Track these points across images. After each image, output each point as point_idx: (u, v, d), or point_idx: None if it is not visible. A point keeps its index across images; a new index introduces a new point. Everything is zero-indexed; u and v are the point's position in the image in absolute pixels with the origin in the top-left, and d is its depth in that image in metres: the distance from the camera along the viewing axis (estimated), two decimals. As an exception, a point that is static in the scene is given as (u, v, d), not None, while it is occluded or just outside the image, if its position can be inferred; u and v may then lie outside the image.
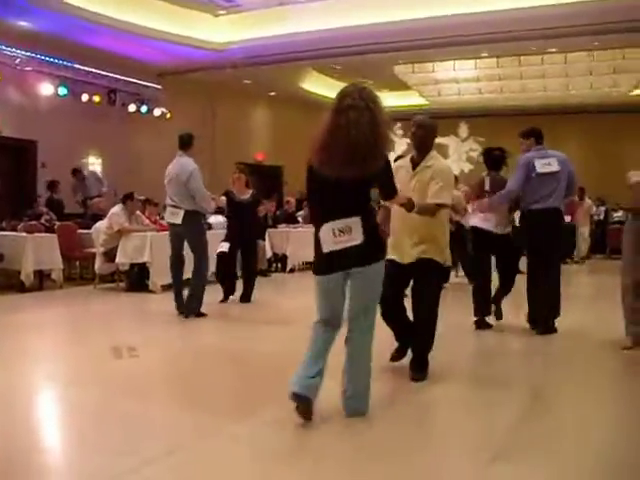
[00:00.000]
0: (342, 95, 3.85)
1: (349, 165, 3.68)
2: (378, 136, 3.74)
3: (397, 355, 5.24)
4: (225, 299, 8.71)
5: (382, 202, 5.33)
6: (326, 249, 3.84)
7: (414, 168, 4.92)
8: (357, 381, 4.01)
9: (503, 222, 6.92)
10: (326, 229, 3.82)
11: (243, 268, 9.05)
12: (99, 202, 12.73)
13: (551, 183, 6.68)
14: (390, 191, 4.14)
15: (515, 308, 7.44)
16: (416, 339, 5.04)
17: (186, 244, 7.71)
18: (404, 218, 4.84)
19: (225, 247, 8.61)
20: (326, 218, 3.83)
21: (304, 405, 3.84)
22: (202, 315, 7.61)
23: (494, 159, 7.04)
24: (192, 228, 7.52)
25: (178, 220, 7.45)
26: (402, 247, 4.95)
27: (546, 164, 6.72)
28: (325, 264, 3.91)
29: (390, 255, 5.03)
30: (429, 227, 4.87)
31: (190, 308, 7.59)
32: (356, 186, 3.80)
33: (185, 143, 7.61)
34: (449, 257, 5.09)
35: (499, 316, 7.19)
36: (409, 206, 4.41)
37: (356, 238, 3.78)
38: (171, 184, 7.50)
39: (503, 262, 7.14)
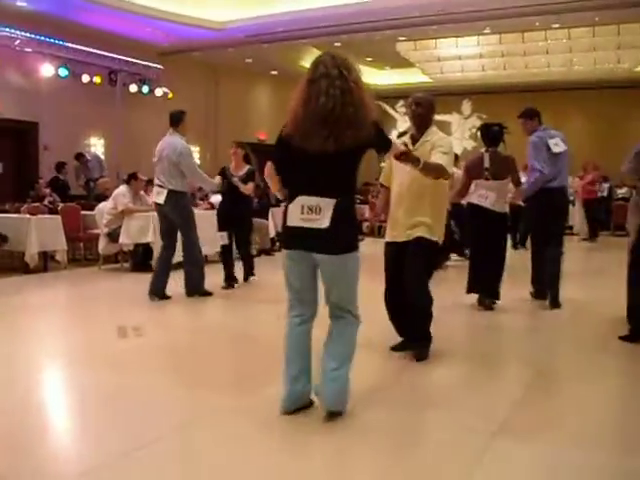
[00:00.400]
0: (315, 64, 3.59)
1: (324, 138, 3.41)
2: (353, 105, 3.44)
3: (399, 347, 5.15)
4: (228, 286, 8.33)
5: (381, 181, 5.33)
6: (289, 223, 3.58)
7: (414, 144, 4.90)
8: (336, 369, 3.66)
9: (500, 201, 6.84)
10: (296, 202, 3.55)
11: (238, 247, 8.63)
12: (105, 182, 12.69)
13: (561, 162, 6.86)
14: (385, 144, 3.65)
15: (515, 286, 7.45)
16: (411, 316, 5.00)
17: None
18: (401, 197, 4.86)
19: (225, 239, 8.33)
20: (300, 192, 3.55)
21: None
22: (207, 294, 7.57)
23: (493, 135, 6.85)
24: (176, 208, 7.28)
25: (161, 199, 7.26)
26: (398, 226, 4.93)
27: (555, 144, 6.81)
28: (288, 239, 3.67)
29: (388, 237, 5.04)
30: (425, 204, 4.83)
31: (190, 288, 7.50)
32: (335, 161, 3.48)
33: (175, 120, 7.41)
34: (441, 234, 4.99)
35: (496, 296, 6.98)
36: (412, 157, 3.92)
37: (323, 221, 3.48)
38: (159, 163, 7.29)
39: (496, 242, 6.92)
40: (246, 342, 5.69)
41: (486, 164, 6.75)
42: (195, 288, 7.53)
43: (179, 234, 7.50)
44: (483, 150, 6.92)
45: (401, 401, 4.07)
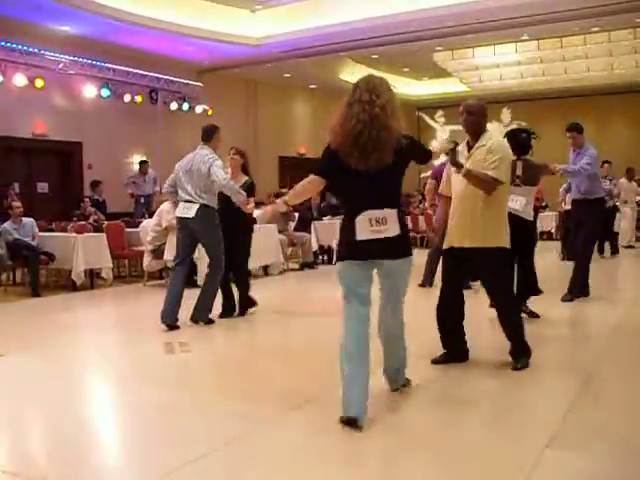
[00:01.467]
0: (353, 87, 3.90)
1: (356, 158, 3.75)
2: (379, 129, 3.72)
3: (441, 359, 5.09)
4: (224, 314, 7.42)
5: (440, 191, 5.33)
6: (359, 237, 3.80)
7: (469, 151, 4.92)
8: (393, 358, 4.28)
9: (529, 207, 6.74)
10: (363, 217, 3.79)
11: (231, 269, 7.37)
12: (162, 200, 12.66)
13: None
14: (424, 154, 4.12)
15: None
16: (505, 328, 5.01)
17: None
18: (463, 201, 4.85)
19: None
20: (364, 207, 3.80)
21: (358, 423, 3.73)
22: (211, 322, 7.05)
23: (521, 142, 6.64)
24: (208, 224, 6.87)
25: (191, 214, 6.80)
26: (462, 231, 4.89)
27: None
28: (357, 251, 3.85)
29: (448, 243, 5.00)
30: (487, 209, 4.80)
31: (200, 313, 7.01)
32: (382, 176, 3.79)
33: (207, 135, 7.17)
34: (503, 239, 4.95)
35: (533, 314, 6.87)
36: (454, 160, 4.44)
37: (392, 230, 3.81)
38: (188, 176, 6.94)
39: (523, 249, 6.71)
40: (292, 356, 5.70)
41: (518, 172, 6.68)
42: (203, 316, 7.03)
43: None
44: (515, 158, 6.82)
45: (449, 413, 4.04)
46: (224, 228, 7.02)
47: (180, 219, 6.96)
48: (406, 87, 21.70)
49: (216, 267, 7.01)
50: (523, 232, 6.57)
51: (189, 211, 6.82)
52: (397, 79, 21.40)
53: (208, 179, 6.82)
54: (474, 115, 4.96)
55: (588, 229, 7.67)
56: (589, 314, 7.38)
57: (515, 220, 6.57)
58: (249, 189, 7.29)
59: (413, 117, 22.40)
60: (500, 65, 18.81)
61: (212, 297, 7.07)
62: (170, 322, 6.73)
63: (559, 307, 7.36)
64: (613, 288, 7.93)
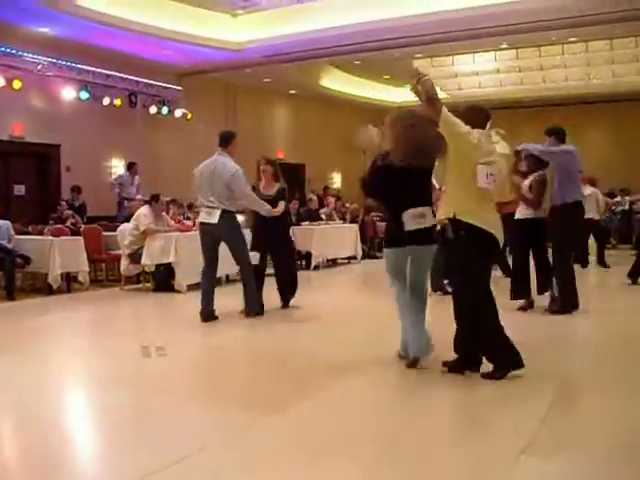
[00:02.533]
0: (408, 113, 5.19)
1: (421, 158, 4.96)
2: (431, 140, 4.91)
3: (455, 366, 4.98)
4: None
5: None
6: (407, 228, 4.97)
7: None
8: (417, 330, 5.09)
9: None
10: (408, 214, 4.98)
11: (275, 269, 8.10)
12: (139, 205, 12.68)
13: None
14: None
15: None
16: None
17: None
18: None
19: (256, 259, 7.71)
20: (408, 206, 4.99)
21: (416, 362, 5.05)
22: (261, 313, 7.61)
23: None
24: (232, 228, 7.26)
25: (214, 219, 7.12)
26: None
27: None
28: (404, 239, 4.99)
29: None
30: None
31: (251, 306, 7.52)
32: (423, 178, 5.12)
33: (225, 140, 7.40)
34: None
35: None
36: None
37: (428, 222, 5.02)
38: (209, 183, 7.16)
39: (538, 246, 7.66)
40: (271, 360, 5.69)
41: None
42: (252, 307, 7.53)
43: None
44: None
45: (423, 418, 4.06)
46: (266, 235, 7.73)
47: (203, 225, 7.26)
48: (386, 94, 21.78)
49: (245, 268, 7.47)
50: (536, 230, 7.50)
51: (212, 217, 7.14)
52: (377, 86, 21.49)
53: (229, 186, 7.13)
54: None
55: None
56: (564, 322, 7.43)
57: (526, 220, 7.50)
58: (282, 194, 7.94)
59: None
60: (479, 73, 18.94)
61: (254, 292, 7.56)
62: (210, 318, 7.25)
63: (534, 313, 7.41)
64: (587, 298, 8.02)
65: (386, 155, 5.05)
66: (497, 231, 4.81)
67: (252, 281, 7.50)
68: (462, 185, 4.78)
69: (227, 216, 7.17)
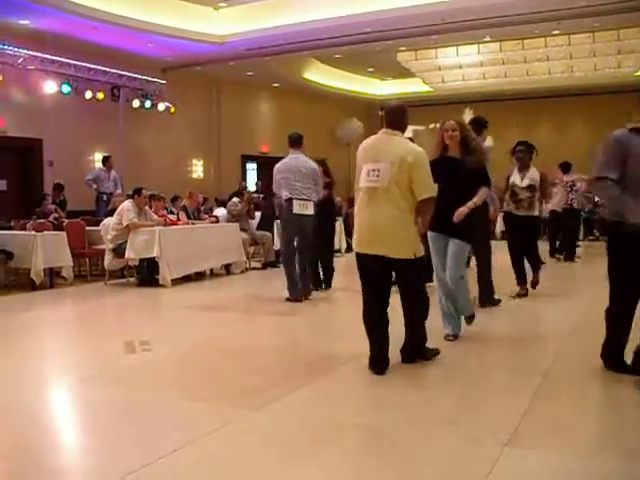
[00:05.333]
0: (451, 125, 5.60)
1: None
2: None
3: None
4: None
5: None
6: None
7: None
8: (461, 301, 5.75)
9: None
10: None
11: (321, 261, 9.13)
12: (121, 199, 12.62)
13: None
14: None
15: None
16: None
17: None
18: None
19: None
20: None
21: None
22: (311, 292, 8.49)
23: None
24: (318, 216, 8.24)
25: (310, 211, 8.07)
26: None
27: None
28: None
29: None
30: None
31: (306, 290, 8.32)
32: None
33: (297, 142, 8.24)
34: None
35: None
36: None
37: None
38: (300, 178, 8.01)
39: (529, 241, 8.14)
40: (255, 355, 5.68)
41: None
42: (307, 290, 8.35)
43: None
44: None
45: (406, 412, 4.07)
46: (322, 227, 8.59)
47: (300, 216, 8.06)
48: (370, 87, 21.79)
49: (309, 252, 8.38)
50: (528, 227, 7.99)
51: (307, 209, 8.08)
52: (361, 79, 21.50)
53: (314, 181, 8.15)
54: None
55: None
56: (545, 314, 7.49)
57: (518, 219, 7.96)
58: (330, 187, 9.10)
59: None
60: (463, 66, 18.97)
61: (310, 276, 8.54)
62: (298, 297, 8.10)
63: (515, 307, 7.45)
64: (565, 288, 8.09)
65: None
66: None
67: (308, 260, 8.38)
68: None
69: (315, 207, 8.17)
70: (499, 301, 7.44)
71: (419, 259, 4.86)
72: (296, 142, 8.27)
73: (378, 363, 4.83)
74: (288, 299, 8.07)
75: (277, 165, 8.23)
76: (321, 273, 9.04)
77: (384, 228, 4.74)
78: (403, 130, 4.94)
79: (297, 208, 8.03)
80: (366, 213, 4.83)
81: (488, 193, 6.04)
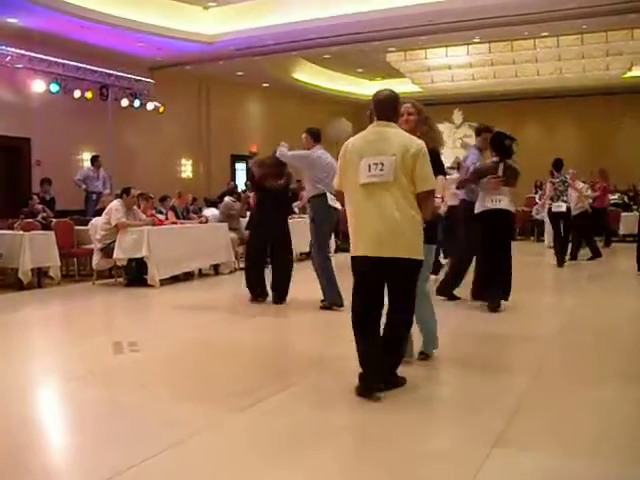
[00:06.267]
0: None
1: None
2: None
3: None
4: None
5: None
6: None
7: None
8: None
9: (511, 204, 7.28)
10: None
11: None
12: (110, 198, 12.55)
13: None
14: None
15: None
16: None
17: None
18: None
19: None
20: None
21: None
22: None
23: (507, 147, 7.14)
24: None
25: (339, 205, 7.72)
26: None
27: None
28: None
29: None
30: None
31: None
32: None
33: (317, 135, 7.98)
34: None
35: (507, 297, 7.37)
36: None
37: None
38: (329, 175, 7.50)
39: (506, 243, 7.35)
40: (243, 355, 5.67)
41: (500, 173, 7.07)
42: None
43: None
44: (497, 159, 7.19)
45: (396, 413, 4.07)
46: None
47: (335, 209, 7.67)
48: (359, 87, 21.80)
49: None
50: (504, 226, 7.28)
51: (336, 203, 7.57)
52: (351, 79, 21.52)
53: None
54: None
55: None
56: (535, 313, 7.51)
57: (496, 217, 7.15)
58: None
59: (365, 117, 22.54)
60: (452, 67, 19.04)
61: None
62: (340, 303, 7.48)
63: (506, 305, 7.46)
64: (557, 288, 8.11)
65: None
66: None
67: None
68: None
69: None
70: (456, 298, 7.65)
71: (421, 262, 4.40)
72: (317, 137, 8.01)
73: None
74: (329, 308, 7.57)
75: (317, 160, 7.77)
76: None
77: (396, 227, 4.22)
78: (396, 121, 4.52)
79: (332, 201, 7.66)
80: (370, 212, 4.28)
81: (444, 182, 5.22)
